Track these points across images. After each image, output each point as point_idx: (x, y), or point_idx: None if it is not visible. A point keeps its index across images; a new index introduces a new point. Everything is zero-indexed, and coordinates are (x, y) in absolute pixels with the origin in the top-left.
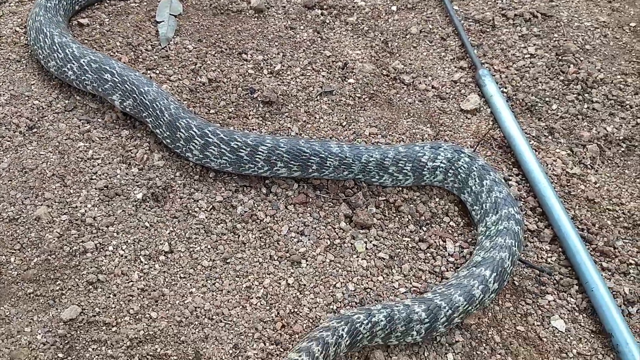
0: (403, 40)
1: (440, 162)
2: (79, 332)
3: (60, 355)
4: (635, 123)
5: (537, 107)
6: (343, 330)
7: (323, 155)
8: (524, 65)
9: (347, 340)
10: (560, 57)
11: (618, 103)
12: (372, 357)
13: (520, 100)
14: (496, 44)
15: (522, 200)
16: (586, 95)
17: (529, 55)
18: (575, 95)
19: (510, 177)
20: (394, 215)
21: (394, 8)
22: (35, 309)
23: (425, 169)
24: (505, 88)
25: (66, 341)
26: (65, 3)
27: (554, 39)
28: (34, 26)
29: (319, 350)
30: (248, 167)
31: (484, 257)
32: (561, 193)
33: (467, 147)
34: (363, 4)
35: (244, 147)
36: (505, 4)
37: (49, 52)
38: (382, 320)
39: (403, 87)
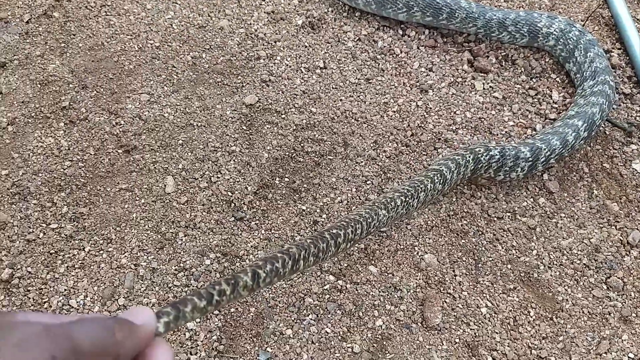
0: None
1: (554, 30)
2: (257, 114)
3: (244, 127)
4: None
5: None
6: (469, 157)
7: (453, 8)
8: None
9: (471, 166)
10: None
11: None
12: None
13: None
14: None
15: (621, 69)
16: None
17: None
18: None
19: (613, 50)
20: (510, 66)
21: None
22: (223, 93)
23: (539, 33)
24: None
25: (247, 119)
26: None
27: None
28: None
29: (454, 167)
30: (389, 7)
31: (577, 112)
32: None
33: (579, 23)
34: None
35: None
36: None
37: None
38: (497, 155)
39: None
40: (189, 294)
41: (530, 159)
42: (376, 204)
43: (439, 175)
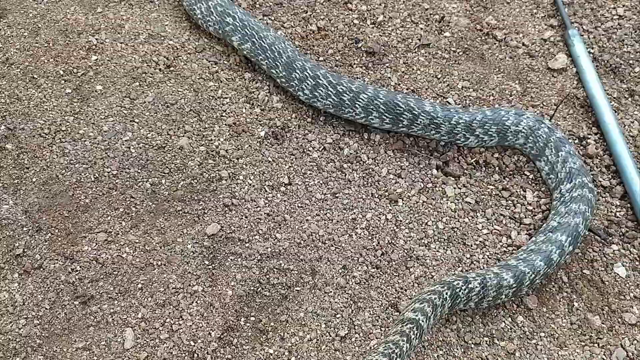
0: None
1: (523, 128)
2: (219, 245)
3: (206, 262)
4: None
5: (620, 69)
6: (446, 294)
7: (416, 112)
8: (611, 26)
9: (449, 303)
10: None
11: None
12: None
13: (605, 61)
14: (587, 3)
15: (598, 158)
16: None
17: (618, 17)
18: None
19: (589, 136)
20: (482, 166)
21: None
22: (184, 224)
23: (508, 132)
24: (592, 48)
25: (210, 252)
26: None
27: None
28: None
29: (430, 311)
30: (347, 111)
31: (560, 223)
32: (635, 153)
33: (550, 112)
34: None
35: (347, 92)
36: None
37: None
38: (477, 287)
39: (495, 43)
40: None
41: (514, 284)
42: None
43: (415, 328)
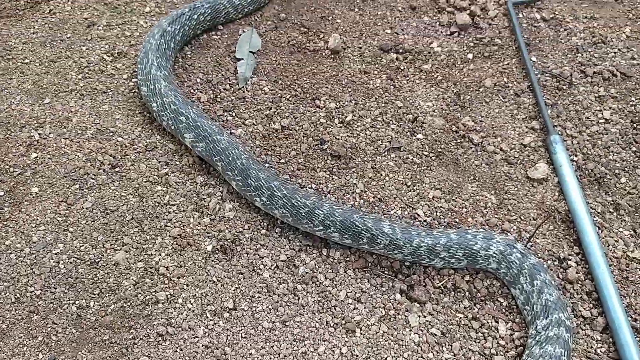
0: (476, 93)
1: (493, 252)
2: None
3: None
4: None
5: (605, 180)
6: None
7: (374, 233)
8: (597, 131)
9: None
10: (635, 125)
11: None
12: None
13: (590, 170)
14: (571, 104)
15: (579, 283)
16: None
17: (604, 121)
18: None
19: (570, 257)
20: (451, 290)
21: (470, 56)
22: (109, 357)
23: (478, 256)
24: (576, 156)
25: None
26: (183, 31)
27: (631, 103)
28: (145, 47)
29: None
30: (305, 223)
31: None
32: (619, 277)
33: (528, 227)
34: (439, 49)
35: (302, 207)
36: (585, 59)
37: (144, 79)
38: None
39: (471, 147)
40: None
41: None
42: None
43: None
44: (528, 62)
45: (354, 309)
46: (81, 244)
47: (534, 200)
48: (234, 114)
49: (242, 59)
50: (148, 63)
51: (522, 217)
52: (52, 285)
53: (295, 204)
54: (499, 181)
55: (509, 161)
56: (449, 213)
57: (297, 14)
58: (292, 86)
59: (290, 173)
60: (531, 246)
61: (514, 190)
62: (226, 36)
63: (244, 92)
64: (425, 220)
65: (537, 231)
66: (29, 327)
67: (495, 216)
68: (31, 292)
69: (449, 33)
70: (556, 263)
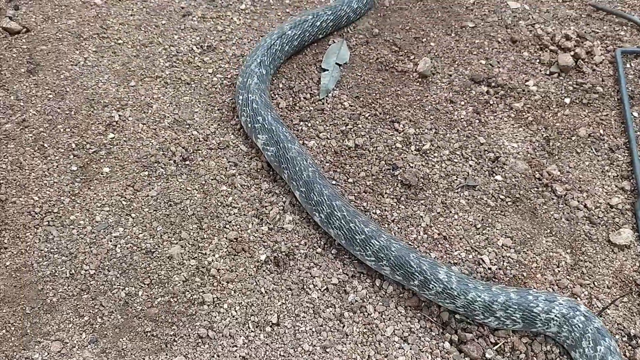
0: (567, 141)
1: (555, 315)
2: None
3: None
4: None
5: None
6: None
7: (428, 277)
8: None
9: None
10: None
11: None
12: None
13: None
14: None
15: None
16: None
17: None
18: None
19: None
20: (506, 351)
21: (567, 100)
22: (149, 349)
23: (537, 319)
24: None
25: None
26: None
27: None
28: (259, 43)
29: None
30: (358, 250)
31: None
32: None
33: (600, 295)
34: (535, 89)
35: (359, 233)
36: None
37: (243, 71)
38: None
39: (553, 198)
40: None
41: None
42: None
43: None
44: (629, 116)
45: (399, 348)
46: (140, 232)
47: (612, 267)
48: (309, 125)
49: (327, 70)
50: (253, 57)
51: (595, 283)
52: (106, 268)
53: (352, 228)
54: (577, 240)
55: (591, 220)
56: (517, 265)
57: (390, 31)
58: (373, 105)
59: (356, 194)
60: (601, 318)
61: (591, 252)
62: (315, 45)
63: (323, 103)
64: (489, 269)
65: (612, 304)
66: (78, 305)
67: (567, 277)
68: (86, 270)
69: (548, 73)
70: (625, 339)
